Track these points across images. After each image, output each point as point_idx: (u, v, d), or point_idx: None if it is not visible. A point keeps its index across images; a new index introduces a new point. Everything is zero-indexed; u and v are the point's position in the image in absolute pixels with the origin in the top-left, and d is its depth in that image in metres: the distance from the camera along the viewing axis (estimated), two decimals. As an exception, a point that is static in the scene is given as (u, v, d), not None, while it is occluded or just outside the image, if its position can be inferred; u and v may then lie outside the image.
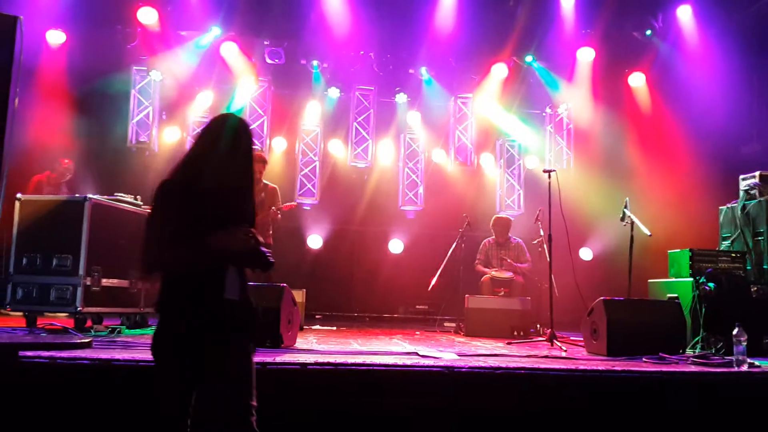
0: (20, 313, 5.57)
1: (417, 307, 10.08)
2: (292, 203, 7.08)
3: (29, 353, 3.41)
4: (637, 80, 10.16)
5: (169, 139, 10.05)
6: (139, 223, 6.19)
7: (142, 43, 9.49)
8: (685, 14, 9.44)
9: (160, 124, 10.04)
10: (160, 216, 2.60)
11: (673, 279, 6.29)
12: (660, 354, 4.59)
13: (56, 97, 8.91)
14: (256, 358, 3.65)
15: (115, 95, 9.73)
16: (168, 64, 9.73)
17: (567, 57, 10.01)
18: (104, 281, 5.64)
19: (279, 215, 6.86)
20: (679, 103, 9.50)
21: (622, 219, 6.33)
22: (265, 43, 9.82)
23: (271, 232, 7.04)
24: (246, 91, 10.13)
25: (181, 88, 10.08)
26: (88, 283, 5.44)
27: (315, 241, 10.33)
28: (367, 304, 10.20)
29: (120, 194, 6.24)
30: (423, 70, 10.29)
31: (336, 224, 10.34)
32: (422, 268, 8.98)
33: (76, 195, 5.57)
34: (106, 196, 5.95)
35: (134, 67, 9.87)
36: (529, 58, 10.20)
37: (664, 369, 4.03)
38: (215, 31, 9.66)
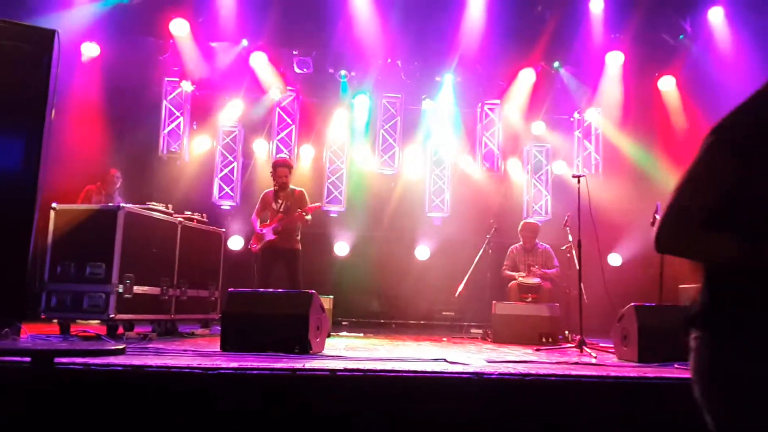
0: (53, 321, 5.66)
1: (444, 313, 10.03)
2: (317, 204, 7.12)
3: (64, 360, 3.47)
4: (667, 84, 10.02)
5: (200, 148, 10.19)
6: (170, 231, 6.35)
7: (174, 54, 9.66)
8: (716, 16, 9.27)
9: (191, 134, 10.19)
10: (698, 175, 1.70)
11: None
12: (693, 361, 4.49)
13: (91, 108, 9.10)
14: (286, 365, 3.67)
15: (147, 106, 9.91)
16: (199, 75, 9.87)
17: (596, 61, 9.91)
18: (136, 288, 5.72)
19: (308, 217, 6.89)
20: (710, 107, 9.31)
21: (653, 224, 6.18)
22: (294, 53, 9.90)
23: (298, 237, 7.09)
24: (274, 100, 10.22)
25: (212, 98, 10.22)
26: (121, 290, 5.52)
27: (342, 248, 10.35)
28: (394, 311, 10.18)
29: (152, 203, 6.34)
30: (450, 76, 10.28)
31: (363, 231, 10.36)
32: (449, 274, 8.95)
33: (110, 204, 5.65)
34: (138, 205, 6.05)
35: (166, 78, 10.03)
36: (557, 63, 10.12)
37: (698, 376, 3.94)
38: (245, 43, 9.78)
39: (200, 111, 10.23)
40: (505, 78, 10.40)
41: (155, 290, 6.08)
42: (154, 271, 6.09)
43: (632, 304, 5.11)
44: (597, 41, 9.66)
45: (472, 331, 8.58)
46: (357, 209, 10.39)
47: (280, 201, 7.02)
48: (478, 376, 3.67)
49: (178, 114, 10.09)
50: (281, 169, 7.02)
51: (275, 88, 10.11)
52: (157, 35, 9.55)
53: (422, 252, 10.48)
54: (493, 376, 3.68)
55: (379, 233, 10.40)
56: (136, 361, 3.66)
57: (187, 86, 9.88)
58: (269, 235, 6.93)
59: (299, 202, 7.01)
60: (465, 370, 3.78)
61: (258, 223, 7.08)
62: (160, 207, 6.40)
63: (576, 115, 10.91)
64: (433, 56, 10.02)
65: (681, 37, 9.55)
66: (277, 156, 9.91)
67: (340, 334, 8.01)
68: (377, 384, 3.57)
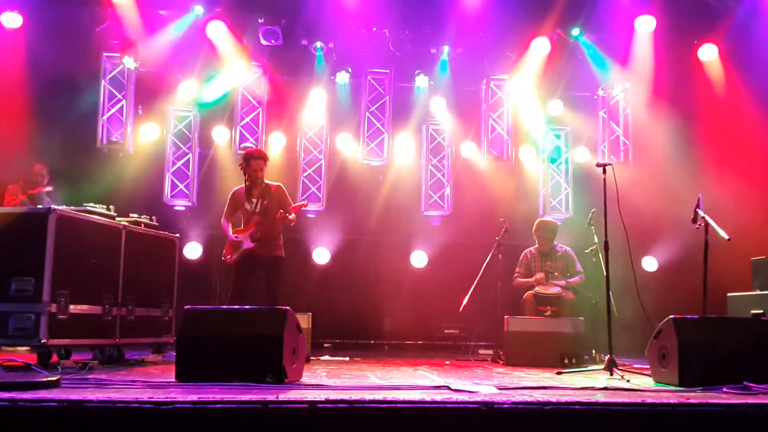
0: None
1: (446, 331, 10.06)
2: (302, 202, 7.12)
3: (-14, 394, 3.43)
4: (708, 53, 10.10)
5: (146, 137, 10.15)
6: (113, 238, 6.31)
7: (113, 24, 9.61)
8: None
9: (136, 121, 10.15)
10: None
11: (758, 292, 6.21)
12: (744, 383, 4.52)
13: (12, 91, 9.04)
14: (256, 396, 3.66)
15: (81, 87, 9.85)
16: (144, 49, 9.83)
17: (622, 28, 9.97)
18: (72, 308, 5.68)
19: (292, 217, 6.88)
20: (760, 81, 9.42)
21: (694, 221, 6.26)
22: (260, 21, 9.90)
23: (281, 242, 7.09)
24: (237, 79, 10.20)
25: (160, 76, 10.18)
26: (54, 310, 5.48)
27: (321, 255, 10.35)
28: (386, 330, 10.20)
29: (90, 204, 6.31)
30: (448, 47, 10.29)
31: (346, 234, 10.36)
32: (451, 285, 8.95)
33: (38, 206, 5.62)
34: (73, 207, 6.02)
35: (104, 54, 9.99)
36: (576, 31, 10.17)
37: (750, 401, 3.96)
38: (199, 10, 9.76)
39: (146, 92, 10.20)
40: (514, 49, 10.44)
41: (96, 309, 6.03)
42: (94, 286, 6.05)
43: (671, 316, 5.13)
44: (624, 3, 9.71)
45: (481, 352, 8.58)
46: (339, 208, 10.40)
47: (254, 200, 7.02)
48: (488, 406, 3.66)
49: (119, 96, 10.04)
50: (255, 161, 7.00)
51: (237, 64, 10.08)
52: (93, 2, 9.52)
53: (419, 259, 10.49)
54: (506, 406, 3.68)
55: (366, 237, 10.40)
56: (74, 395, 3.63)
57: (130, 63, 9.83)
58: (247, 243, 6.92)
59: (278, 199, 7.00)
60: (472, 399, 3.78)
61: (230, 229, 7.06)
62: (100, 209, 6.37)
63: (600, 92, 10.97)
64: (428, 23, 10.05)
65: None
66: (241, 149, 9.89)
67: (321, 358, 8.00)
68: (366, 418, 3.56)
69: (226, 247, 7.11)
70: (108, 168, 9.84)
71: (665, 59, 10.10)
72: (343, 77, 10.43)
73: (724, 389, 4.46)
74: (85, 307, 5.86)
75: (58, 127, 9.47)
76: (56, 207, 5.63)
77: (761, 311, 5.91)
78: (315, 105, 10.45)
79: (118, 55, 9.84)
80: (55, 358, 5.71)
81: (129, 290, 6.46)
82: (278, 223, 6.90)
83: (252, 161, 7.00)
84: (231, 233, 7.01)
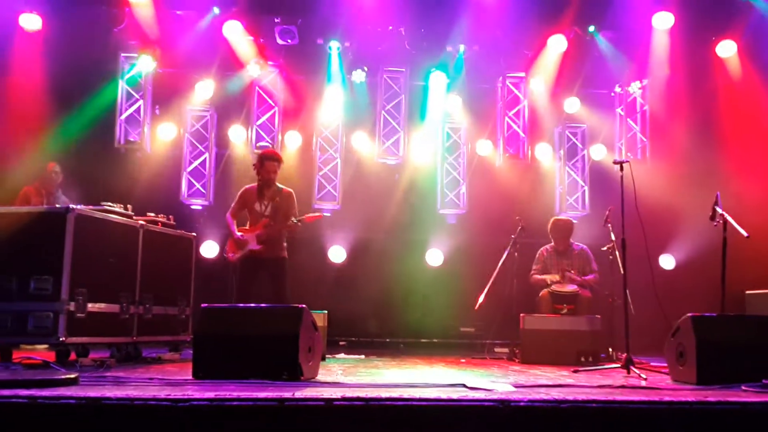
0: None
1: (462, 329, 10.03)
2: (317, 214, 7.15)
3: (5, 392, 3.46)
4: (727, 50, 10.01)
5: (164, 137, 10.21)
6: (131, 237, 6.35)
7: (131, 25, 9.66)
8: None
9: (153, 120, 10.20)
10: None
11: (778, 290, 6.15)
12: (763, 381, 4.48)
13: (30, 91, 9.11)
14: (272, 394, 3.67)
15: (100, 87, 9.91)
16: (161, 50, 9.88)
17: (640, 24, 9.90)
18: (90, 306, 5.72)
19: (298, 225, 6.92)
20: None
21: (713, 218, 6.22)
22: (276, 20, 9.91)
23: (284, 243, 7.12)
24: (253, 78, 10.24)
25: (178, 77, 10.23)
26: (72, 308, 5.52)
27: (337, 253, 10.35)
28: (401, 328, 10.18)
29: (108, 203, 6.34)
30: (464, 45, 10.26)
31: (362, 233, 10.36)
32: (467, 283, 8.95)
33: (57, 206, 5.66)
34: (91, 207, 6.05)
35: (122, 54, 10.04)
36: (592, 28, 10.11)
37: (770, 400, 3.93)
38: (216, 11, 9.79)
39: (164, 92, 10.24)
40: (530, 47, 10.40)
41: (113, 308, 6.07)
42: (112, 285, 6.09)
43: (689, 314, 5.10)
44: (641, 0, 9.64)
45: (496, 350, 8.56)
46: (355, 207, 10.39)
47: (265, 202, 7.05)
48: (504, 403, 3.65)
49: (137, 96, 10.09)
50: (270, 162, 7.04)
51: (254, 64, 10.12)
52: (111, 3, 9.58)
53: (434, 257, 10.47)
54: (522, 404, 3.66)
55: (381, 235, 10.40)
56: (92, 392, 3.66)
57: (147, 63, 9.88)
58: (253, 244, 6.95)
59: (287, 205, 7.04)
60: (488, 397, 3.77)
61: (235, 225, 7.08)
62: (118, 208, 6.40)
63: (617, 89, 10.91)
64: (443, 21, 10.01)
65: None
66: (258, 148, 9.92)
67: (337, 356, 8.01)
68: (382, 415, 3.56)
69: (228, 244, 7.13)
70: (125, 167, 9.91)
71: (683, 56, 10.02)
72: (358, 76, 10.42)
73: (743, 387, 4.42)
74: (103, 305, 5.90)
75: (75, 127, 9.53)
76: (75, 206, 5.66)
77: (781, 309, 5.86)
78: (331, 104, 10.45)
79: (136, 55, 9.90)
80: (73, 356, 5.74)
81: (146, 289, 6.49)
82: (288, 229, 6.94)
83: (267, 162, 7.02)
84: (236, 231, 7.04)
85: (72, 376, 4.09)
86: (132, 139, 10.05)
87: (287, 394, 3.64)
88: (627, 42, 10.22)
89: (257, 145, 10.17)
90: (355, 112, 10.60)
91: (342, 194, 10.43)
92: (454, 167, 10.73)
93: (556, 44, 10.14)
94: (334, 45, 10.15)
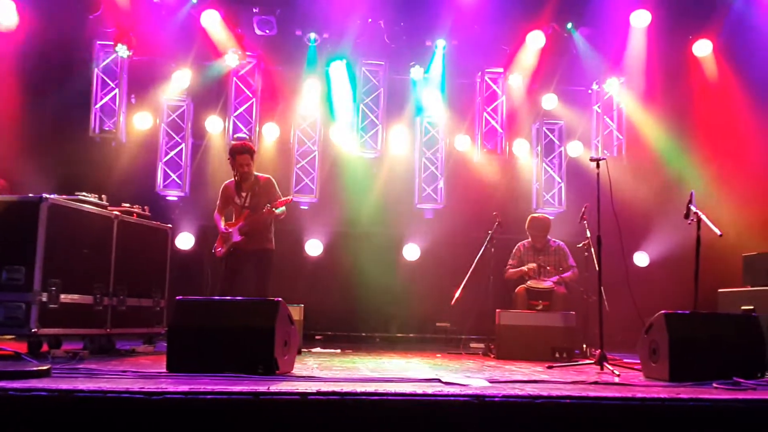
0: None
1: (437, 324, 10.06)
2: (287, 197, 7.11)
3: (-25, 383, 3.42)
4: (702, 49, 10.11)
5: (139, 126, 10.11)
6: (105, 227, 6.29)
7: (107, 12, 9.54)
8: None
9: (129, 109, 10.10)
10: None
11: (749, 288, 6.23)
12: (734, 378, 4.54)
13: (3, 79, 8.98)
14: (247, 387, 3.66)
15: (74, 75, 9.80)
16: (137, 38, 9.77)
17: (617, 22, 9.96)
18: (63, 297, 5.67)
19: (279, 211, 6.89)
20: (755, 78, 9.43)
21: (687, 216, 6.27)
22: (254, 10, 9.85)
23: (271, 234, 7.11)
24: (231, 69, 10.17)
25: (154, 65, 10.14)
26: (45, 299, 5.47)
27: (314, 246, 10.34)
28: (378, 322, 10.20)
29: (82, 193, 6.28)
30: (443, 40, 10.27)
31: (339, 226, 10.36)
32: (443, 278, 8.97)
33: (30, 195, 5.59)
34: (65, 196, 5.99)
35: (97, 42, 9.94)
36: (570, 25, 10.16)
37: (740, 396, 3.98)
38: (194, 0, 9.72)
39: (140, 81, 10.14)
40: (509, 42, 10.44)
41: (87, 299, 6.02)
42: (86, 275, 6.04)
43: (662, 311, 5.15)
44: (620, -2, 9.72)
45: (472, 345, 8.61)
46: (332, 200, 10.38)
47: (244, 194, 7.03)
48: (479, 399, 3.67)
49: (112, 85, 10.00)
50: (241, 156, 7.00)
51: (231, 54, 10.04)
52: (86, -10, 9.45)
53: (411, 251, 10.49)
54: (497, 399, 3.69)
55: (359, 229, 10.40)
56: (64, 384, 3.62)
57: (123, 51, 9.76)
58: (236, 236, 6.93)
59: (267, 192, 7.01)
60: (463, 393, 3.79)
61: (222, 222, 7.07)
62: (92, 198, 6.34)
63: (594, 86, 10.98)
64: (423, 15, 10.01)
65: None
66: (234, 139, 9.86)
67: (313, 350, 8.01)
68: (357, 410, 3.57)
69: (217, 240, 7.13)
70: (100, 157, 9.80)
71: (659, 54, 10.11)
72: (337, 68, 10.37)
73: (714, 384, 4.48)
74: (76, 296, 5.85)
75: (49, 115, 9.42)
76: (48, 196, 5.60)
77: (752, 307, 5.93)
78: (309, 96, 10.41)
79: (111, 43, 9.77)
80: (45, 347, 5.69)
81: (120, 280, 6.45)
82: (266, 216, 6.92)
83: (237, 156, 6.98)
84: (222, 226, 7.02)
85: (44, 368, 4.05)
86: (107, 128, 9.96)
87: (262, 388, 3.63)
88: (604, 39, 10.29)
89: (234, 136, 10.11)
90: (334, 104, 10.56)
91: (320, 187, 10.41)
92: (432, 162, 10.75)
93: (535, 40, 10.19)
94: (313, 36, 10.10)
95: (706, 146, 9.84)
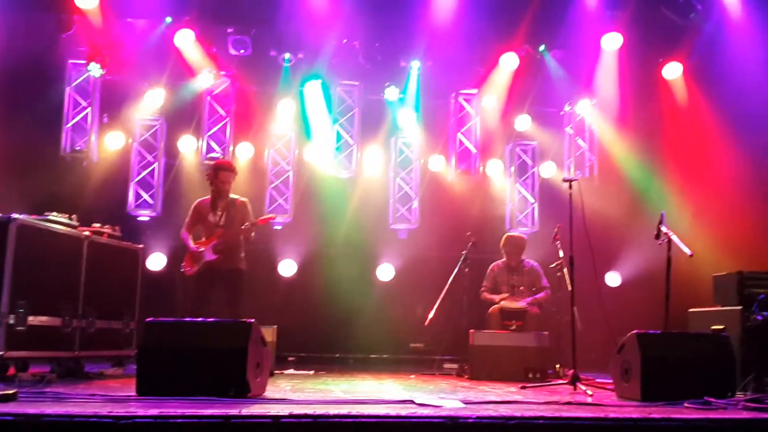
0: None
1: (411, 345, 10.05)
2: (270, 215, 7.10)
3: (-61, 408, 3.36)
4: (672, 71, 10.25)
5: (111, 146, 10.04)
6: (75, 248, 6.22)
7: (80, 31, 9.50)
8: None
9: (101, 129, 10.03)
10: None
11: (719, 308, 6.30)
12: (705, 398, 4.58)
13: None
14: (218, 411, 3.63)
15: (45, 94, 9.72)
16: (111, 57, 9.73)
17: (589, 44, 10.10)
18: (31, 319, 5.60)
19: (252, 233, 6.88)
20: (724, 101, 9.58)
21: (657, 237, 6.35)
22: (229, 30, 9.86)
23: (243, 254, 7.08)
24: (205, 88, 10.15)
25: (127, 85, 10.09)
26: (12, 321, 5.39)
27: (288, 267, 10.29)
28: (351, 343, 10.14)
29: (52, 213, 6.23)
30: (418, 61, 10.34)
31: (313, 247, 10.32)
32: (417, 298, 8.99)
33: (-1, 214, 5.53)
34: (34, 217, 5.93)
35: (70, 61, 9.89)
36: (542, 47, 10.28)
37: (711, 416, 4.02)
38: (168, 20, 9.70)
39: (112, 100, 10.08)
40: (483, 63, 10.52)
41: (55, 321, 5.95)
42: (54, 297, 5.98)
43: (634, 331, 5.19)
44: (591, 20, 9.84)
45: (446, 366, 8.59)
46: (306, 220, 10.35)
47: (219, 212, 7.00)
48: (453, 420, 3.67)
49: (84, 104, 9.93)
50: (225, 173, 7.01)
51: (206, 74, 10.03)
52: (59, 8, 9.38)
53: (385, 272, 10.48)
54: (471, 420, 3.69)
55: (332, 249, 10.37)
56: (31, 409, 3.56)
57: (96, 70, 9.69)
58: (209, 255, 6.89)
59: (242, 215, 7.00)
60: (437, 414, 3.78)
61: (190, 239, 7.02)
62: (62, 218, 6.28)
63: (567, 107, 11.09)
64: (398, 36, 10.08)
65: (690, 15, 9.75)
66: (208, 159, 9.84)
67: (286, 372, 7.97)
68: (330, 432, 3.55)
69: (185, 259, 7.07)
70: (71, 176, 9.70)
71: (630, 76, 10.25)
72: (312, 88, 10.38)
73: (686, 404, 4.51)
74: (44, 318, 5.77)
75: (20, 134, 9.30)
76: (17, 216, 5.53)
77: (722, 327, 5.99)
78: (283, 116, 10.41)
79: (84, 62, 9.72)
80: (12, 370, 5.60)
81: (90, 302, 6.38)
82: (241, 235, 6.89)
83: (221, 173, 6.99)
84: (192, 244, 6.98)
85: (10, 391, 3.98)
86: (78, 148, 9.88)
87: (234, 411, 3.60)
88: (576, 62, 10.42)
89: (208, 156, 10.08)
90: (308, 124, 10.57)
91: (294, 207, 10.39)
92: (406, 182, 10.78)
93: (508, 62, 10.28)
94: (288, 56, 10.11)
95: (676, 167, 9.97)
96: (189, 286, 7.21)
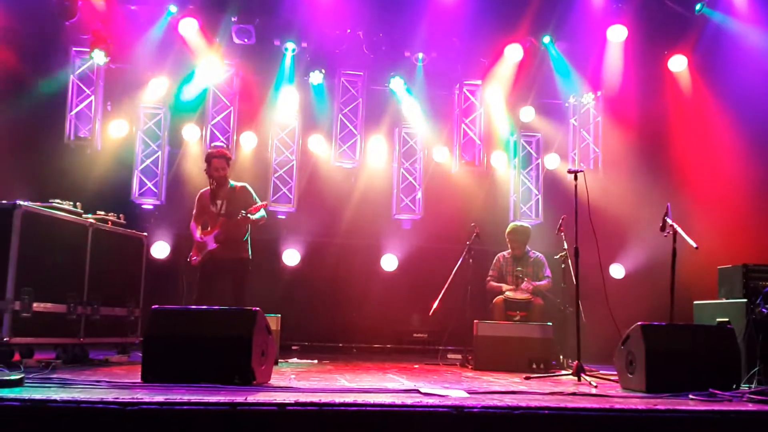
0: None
1: (415, 335, 10.07)
2: (262, 203, 7.06)
3: (-55, 393, 3.36)
4: (678, 64, 10.23)
5: (115, 134, 10.02)
6: (79, 235, 6.22)
7: (84, 19, 9.47)
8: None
9: (104, 117, 10.02)
10: None
11: (724, 300, 6.30)
12: (710, 390, 4.58)
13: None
14: (224, 398, 3.63)
15: (49, 82, 9.70)
16: (114, 45, 9.71)
17: (594, 36, 10.07)
18: (36, 305, 5.60)
19: (255, 217, 6.81)
20: (729, 93, 9.55)
21: (663, 228, 6.33)
22: (233, 19, 9.83)
23: (247, 244, 7.09)
24: (209, 77, 10.13)
25: (131, 73, 10.07)
26: (17, 308, 5.40)
27: (292, 256, 10.30)
28: (355, 333, 10.16)
29: (56, 201, 6.22)
30: (422, 52, 10.31)
31: (317, 236, 10.33)
32: (421, 289, 8.97)
33: (4, 202, 5.52)
34: (39, 204, 5.92)
35: (74, 48, 9.86)
36: (547, 38, 10.25)
37: (716, 408, 4.01)
38: (173, 9, 9.68)
39: (116, 89, 10.08)
40: (487, 55, 10.51)
41: (60, 308, 5.95)
42: (59, 284, 5.97)
43: (639, 323, 5.19)
44: (596, 12, 9.81)
45: (450, 356, 8.61)
46: (310, 210, 10.35)
47: (219, 201, 7.00)
48: (458, 410, 3.67)
49: (88, 92, 9.91)
50: (217, 160, 6.99)
51: (210, 63, 10.00)
52: (63, -4, 9.37)
53: (389, 262, 10.49)
54: (475, 410, 3.68)
55: (336, 239, 10.37)
56: (37, 395, 3.57)
57: (100, 58, 9.68)
58: (211, 244, 6.90)
59: (243, 199, 6.97)
60: (441, 403, 3.78)
61: (198, 231, 7.03)
62: (67, 206, 6.27)
63: (571, 99, 11.07)
64: (402, 27, 10.05)
65: (697, 8, 9.70)
66: (212, 147, 9.79)
67: (290, 360, 7.98)
68: (336, 421, 3.54)
69: (193, 249, 7.09)
70: (75, 164, 9.70)
71: (635, 69, 10.22)
72: (316, 78, 10.37)
73: (691, 396, 4.51)
74: (49, 305, 5.77)
75: (24, 121, 9.30)
76: (22, 203, 5.53)
77: (727, 319, 5.98)
78: (287, 105, 10.38)
79: (88, 49, 9.69)
80: (17, 356, 5.62)
81: (94, 289, 6.38)
82: (242, 224, 6.88)
83: (213, 161, 6.99)
84: (198, 235, 6.99)
85: (16, 377, 3.99)
86: (82, 135, 9.87)
87: (239, 399, 3.60)
88: (581, 54, 10.40)
89: (212, 144, 10.05)
90: (312, 114, 10.56)
91: (297, 197, 10.38)
92: (410, 173, 10.77)
93: (513, 53, 10.26)
94: (291, 46, 10.08)
95: (681, 160, 9.95)
96: (194, 274, 7.20)
